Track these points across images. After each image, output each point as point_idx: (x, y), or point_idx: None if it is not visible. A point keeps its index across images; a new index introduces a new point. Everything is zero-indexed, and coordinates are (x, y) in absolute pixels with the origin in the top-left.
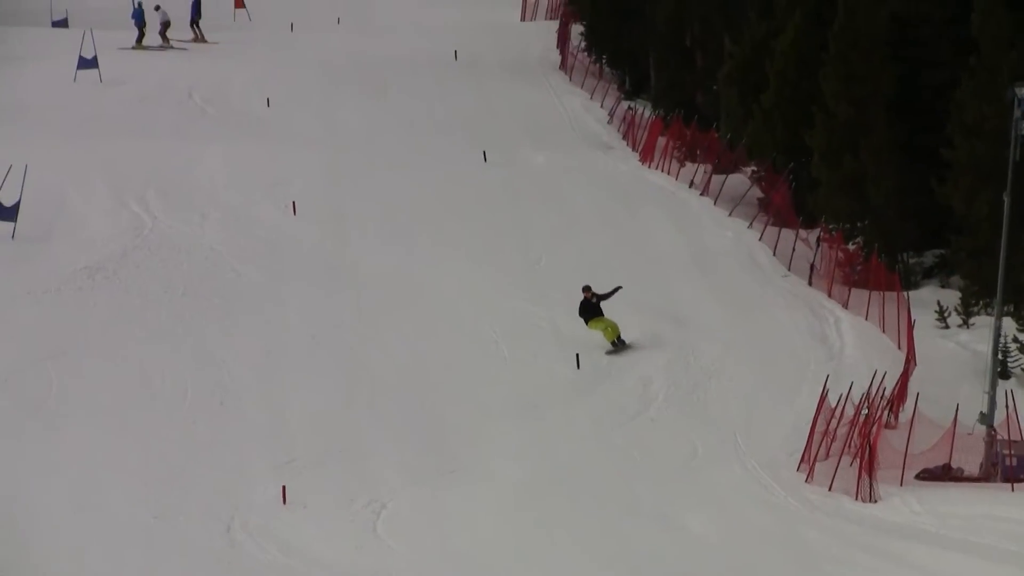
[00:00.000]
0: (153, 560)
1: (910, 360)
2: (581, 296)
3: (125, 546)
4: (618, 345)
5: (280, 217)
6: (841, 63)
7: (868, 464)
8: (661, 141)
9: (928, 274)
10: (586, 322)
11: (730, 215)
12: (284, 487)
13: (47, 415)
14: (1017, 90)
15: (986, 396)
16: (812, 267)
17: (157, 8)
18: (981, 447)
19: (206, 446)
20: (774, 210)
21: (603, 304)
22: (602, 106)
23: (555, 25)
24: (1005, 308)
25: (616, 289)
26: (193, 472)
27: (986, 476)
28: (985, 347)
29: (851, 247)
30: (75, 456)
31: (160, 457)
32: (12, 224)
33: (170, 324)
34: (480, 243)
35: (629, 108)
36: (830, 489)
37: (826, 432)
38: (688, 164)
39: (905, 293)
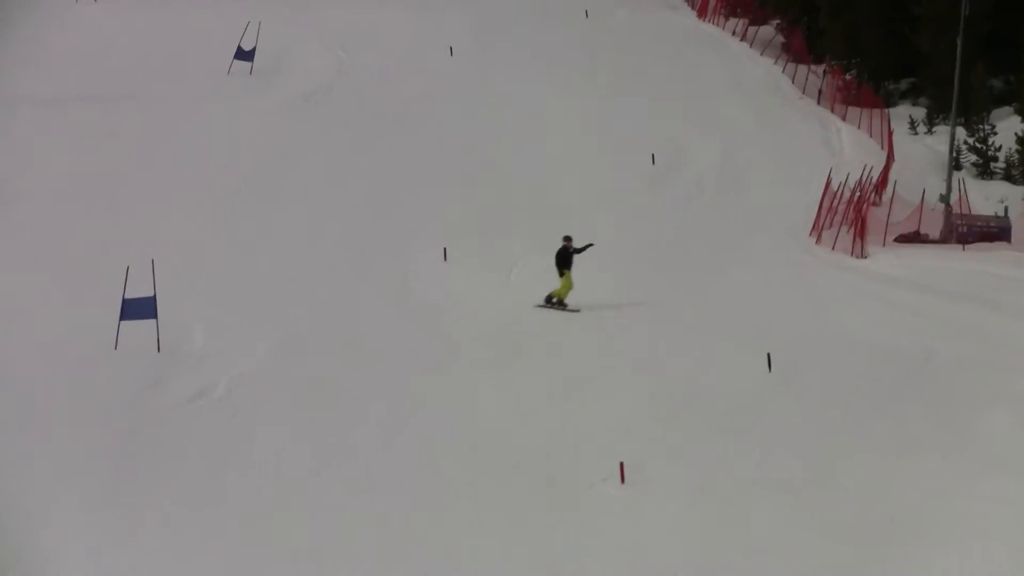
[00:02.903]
0: (349, 297)
1: (890, 157)
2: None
3: (330, 286)
4: (552, 302)
5: (441, 59)
6: None
7: (860, 231)
8: (712, 1)
9: (903, 96)
10: (559, 269)
11: (761, 55)
12: (445, 249)
13: (274, 200)
14: None
15: (944, 182)
16: (820, 92)
17: None
18: (941, 219)
19: (386, 221)
20: (792, 51)
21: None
22: None
23: None
24: (958, 120)
25: (588, 246)
26: (378, 240)
27: (944, 239)
28: (944, 148)
29: (848, 77)
30: (292, 223)
31: (353, 229)
32: (250, 63)
33: (362, 135)
34: (583, 74)
35: None
36: (833, 249)
37: (830, 208)
38: (731, 19)
39: (886, 109)
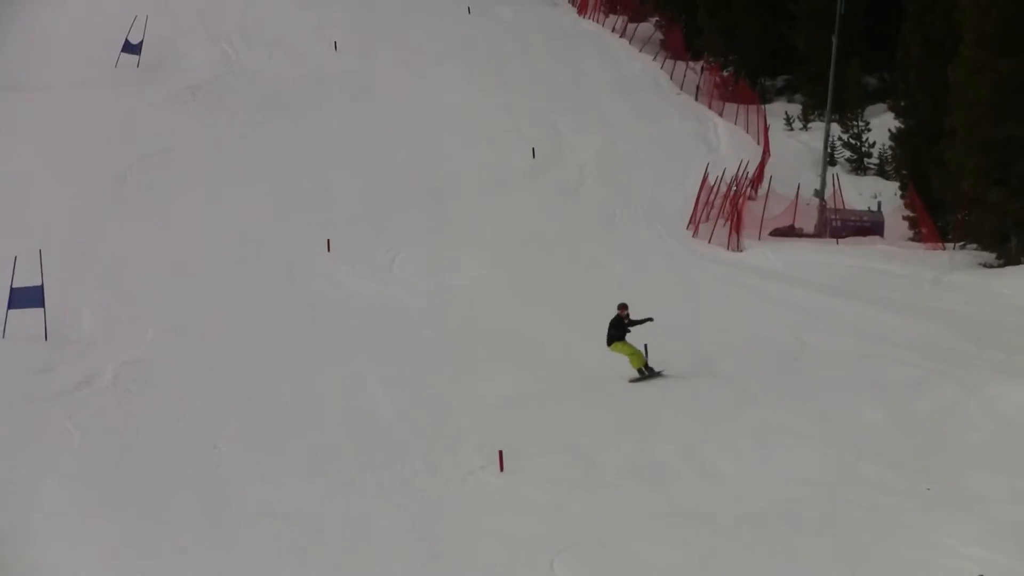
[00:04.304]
0: (234, 286)
1: (766, 152)
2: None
3: (216, 275)
4: (644, 373)
5: (326, 53)
6: None
7: (736, 225)
8: None
9: (779, 93)
10: (609, 342)
11: (640, 51)
12: (328, 240)
13: (161, 190)
14: None
15: (819, 178)
16: (697, 88)
17: None
18: (815, 213)
19: (272, 212)
20: (671, 48)
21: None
22: None
23: None
24: (832, 117)
25: (647, 320)
26: (263, 229)
27: (819, 234)
28: (819, 144)
29: (725, 74)
30: (179, 213)
31: (239, 219)
32: (137, 56)
33: (248, 127)
34: (466, 69)
35: None
36: (709, 242)
37: (707, 202)
38: (611, 16)
39: (762, 106)
